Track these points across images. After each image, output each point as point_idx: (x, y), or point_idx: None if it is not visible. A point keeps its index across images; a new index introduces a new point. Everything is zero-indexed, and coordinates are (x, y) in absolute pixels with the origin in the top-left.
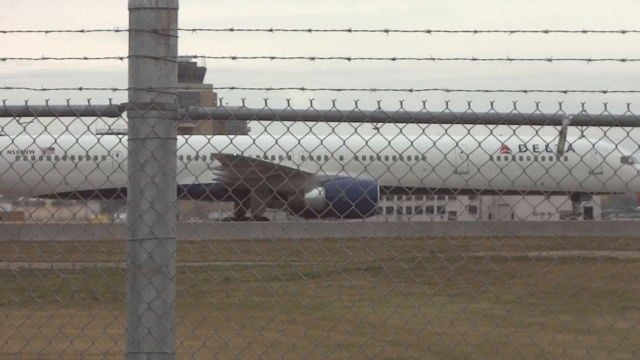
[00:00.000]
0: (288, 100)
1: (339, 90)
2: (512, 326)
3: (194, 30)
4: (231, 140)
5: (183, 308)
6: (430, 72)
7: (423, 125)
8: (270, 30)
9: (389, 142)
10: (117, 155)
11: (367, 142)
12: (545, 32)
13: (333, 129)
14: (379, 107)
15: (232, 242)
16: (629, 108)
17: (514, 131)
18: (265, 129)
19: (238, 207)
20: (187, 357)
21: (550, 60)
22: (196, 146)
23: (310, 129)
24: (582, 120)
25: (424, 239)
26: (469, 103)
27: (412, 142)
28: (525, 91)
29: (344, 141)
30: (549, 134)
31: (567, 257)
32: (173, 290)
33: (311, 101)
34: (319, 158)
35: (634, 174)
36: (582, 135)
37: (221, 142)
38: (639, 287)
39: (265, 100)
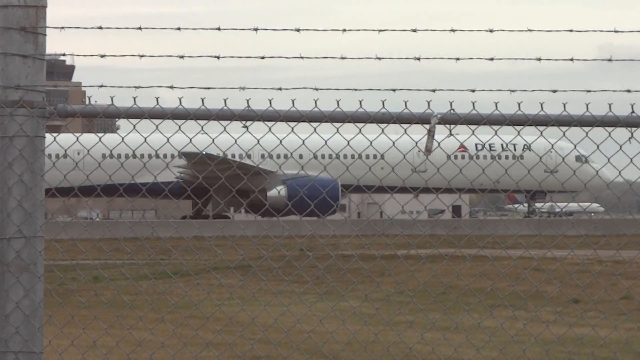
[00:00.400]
0: (157, 99)
1: (208, 88)
2: (381, 324)
3: (62, 28)
4: (190, 139)
5: (51, 307)
6: (300, 70)
7: (382, 125)
8: (139, 28)
9: (348, 142)
10: None
11: (326, 141)
12: (414, 30)
13: (292, 128)
14: (248, 106)
15: (101, 240)
16: (519, 106)
17: (473, 131)
18: (135, 127)
19: (197, 206)
20: (55, 356)
21: (418, 59)
22: (157, 144)
23: (270, 128)
24: (451, 119)
25: (293, 237)
26: (337, 101)
27: (371, 142)
28: (394, 90)
29: (303, 141)
30: (508, 132)
31: (435, 256)
32: (41, 289)
33: (180, 99)
34: (278, 157)
35: (589, 172)
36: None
37: (185, 140)
38: (507, 285)
39: (134, 99)
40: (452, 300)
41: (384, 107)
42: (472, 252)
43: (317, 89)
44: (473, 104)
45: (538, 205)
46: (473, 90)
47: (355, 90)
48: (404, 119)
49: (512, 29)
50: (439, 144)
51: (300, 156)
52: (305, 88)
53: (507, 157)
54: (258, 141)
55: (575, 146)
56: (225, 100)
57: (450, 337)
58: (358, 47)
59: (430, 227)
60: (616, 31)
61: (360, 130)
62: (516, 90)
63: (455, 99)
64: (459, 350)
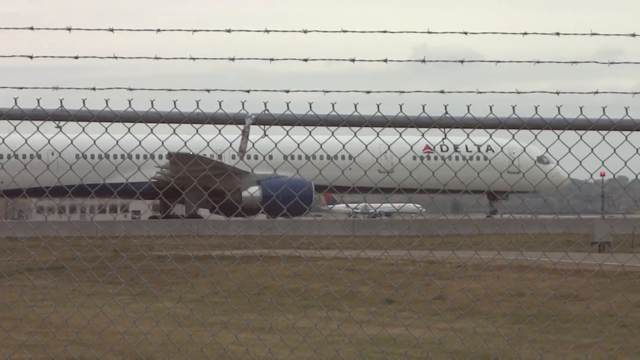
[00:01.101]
0: None
1: (21, 88)
2: (195, 325)
3: None
4: (185, 143)
5: None
6: (114, 70)
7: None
8: None
9: (321, 145)
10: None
11: (299, 144)
12: (228, 31)
13: (264, 131)
14: (61, 106)
15: None
16: (333, 107)
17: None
18: None
19: (172, 205)
20: None
21: (232, 59)
22: (130, 146)
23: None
24: (265, 120)
25: (107, 238)
26: (152, 102)
27: (344, 145)
28: (208, 90)
29: (276, 144)
30: (476, 134)
31: (250, 256)
32: None
33: None
34: (248, 157)
35: (549, 172)
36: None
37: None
38: (321, 285)
39: None
40: (267, 301)
41: (198, 107)
42: (286, 253)
43: (131, 89)
44: (287, 104)
45: (352, 205)
46: (287, 91)
47: (170, 90)
48: (219, 119)
49: (326, 30)
50: (253, 144)
51: (271, 157)
52: (120, 88)
53: (471, 158)
54: (231, 144)
55: (524, 148)
56: (38, 100)
57: (264, 337)
58: (172, 48)
59: (245, 227)
60: (430, 32)
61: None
62: (330, 91)
63: (269, 100)
64: (274, 350)
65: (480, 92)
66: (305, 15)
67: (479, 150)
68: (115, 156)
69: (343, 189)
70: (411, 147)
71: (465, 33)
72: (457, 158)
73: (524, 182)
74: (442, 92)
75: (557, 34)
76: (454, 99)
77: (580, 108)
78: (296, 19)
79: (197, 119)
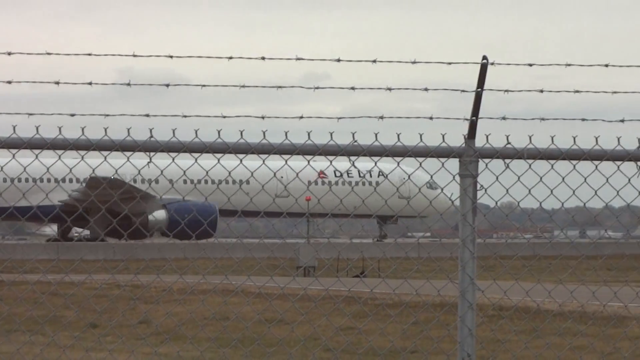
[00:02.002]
0: None
1: None
2: None
3: None
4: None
5: None
6: None
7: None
8: None
9: (229, 172)
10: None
11: (207, 171)
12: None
13: (173, 159)
14: None
15: None
16: (37, 130)
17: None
18: None
19: (64, 227)
20: None
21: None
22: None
23: (150, 158)
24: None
25: None
26: None
27: (252, 173)
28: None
29: (184, 171)
30: (365, 160)
31: None
32: None
33: None
34: (149, 182)
35: (437, 197)
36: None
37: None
38: (25, 310)
39: None
40: None
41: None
42: None
43: None
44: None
45: None
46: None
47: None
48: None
49: (30, 52)
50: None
51: (170, 180)
52: None
53: (364, 183)
54: (147, 166)
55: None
56: None
57: None
58: None
59: None
60: (135, 55)
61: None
62: (34, 114)
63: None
64: None
65: (185, 116)
66: (10, 35)
67: (371, 175)
68: (24, 179)
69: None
70: (297, 174)
71: (171, 57)
72: (349, 183)
73: (415, 206)
74: (147, 115)
75: (263, 58)
76: (159, 122)
77: (309, 133)
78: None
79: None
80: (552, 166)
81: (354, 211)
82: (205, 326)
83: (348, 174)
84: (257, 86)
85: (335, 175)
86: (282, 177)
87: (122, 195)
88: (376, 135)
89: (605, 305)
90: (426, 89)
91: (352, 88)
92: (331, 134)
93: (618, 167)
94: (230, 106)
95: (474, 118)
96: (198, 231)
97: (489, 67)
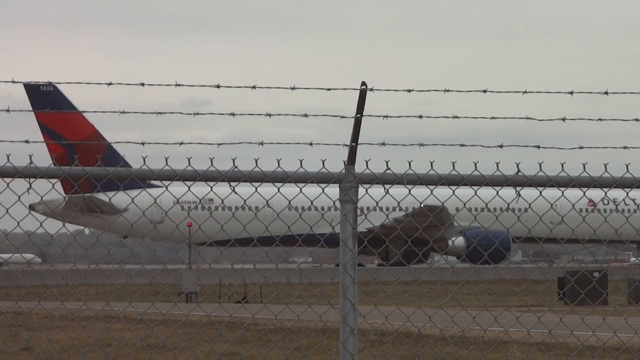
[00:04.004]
0: None
1: None
2: None
3: None
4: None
5: None
6: None
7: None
8: None
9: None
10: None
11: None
12: None
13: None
14: None
15: None
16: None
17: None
18: None
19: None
20: None
21: None
22: None
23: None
24: None
25: None
26: None
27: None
28: None
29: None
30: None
31: None
32: None
33: None
34: None
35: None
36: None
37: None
38: None
39: None
40: None
41: None
42: None
43: None
44: None
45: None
46: None
47: None
48: None
49: None
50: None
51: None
52: None
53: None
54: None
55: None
56: None
57: None
58: None
59: None
60: (14, 82)
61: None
62: None
63: None
64: None
65: (62, 143)
66: None
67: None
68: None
69: None
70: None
71: (50, 83)
72: (610, 211)
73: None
74: (26, 141)
75: (142, 84)
76: (39, 148)
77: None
78: None
79: None
80: (431, 191)
81: None
82: (87, 353)
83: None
84: (136, 112)
85: (604, 204)
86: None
87: None
88: (256, 161)
89: (486, 330)
90: (306, 115)
91: (232, 114)
92: (211, 160)
93: (497, 192)
94: (113, 132)
95: (353, 144)
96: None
97: (369, 93)
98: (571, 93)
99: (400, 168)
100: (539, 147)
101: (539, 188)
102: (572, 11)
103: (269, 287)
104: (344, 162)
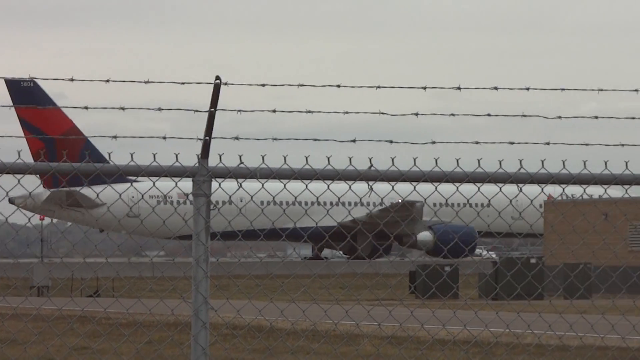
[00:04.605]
0: None
1: None
2: None
3: None
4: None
5: None
6: None
7: None
8: None
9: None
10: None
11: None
12: None
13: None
14: None
15: None
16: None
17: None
18: None
19: None
20: None
21: None
22: None
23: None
24: None
25: None
26: None
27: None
28: None
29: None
30: None
31: None
32: None
33: None
34: None
35: None
36: None
37: None
38: None
39: None
40: None
41: None
42: None
43: None
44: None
45: None
46: None
47: None
48: None
49: None
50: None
51: None
52: None
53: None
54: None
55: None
56: None
57: None
58: None
59: None
60: None
61: None
62: None
63: None
64: None
65: None
66: None
67: None
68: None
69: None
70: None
71: None
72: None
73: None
74: None
75: None
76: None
77: None
78: None
79: None
80: (284, 185)
81: None
82: None
83: None
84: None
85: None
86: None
87: None
88: (109, 154)
89: (338, 323)
90: (159, 109)
91: (86, 107)
92: (64, 154)
93: (350, 186)
94: None
95: (207, 138)
96: None
97: (223, 88)
98: (424, 88)
99: (254, 162)
100: (391, 141)
101: (391, 182)
102: (422, 6)
103: (121, 281)
104: (197, 156)
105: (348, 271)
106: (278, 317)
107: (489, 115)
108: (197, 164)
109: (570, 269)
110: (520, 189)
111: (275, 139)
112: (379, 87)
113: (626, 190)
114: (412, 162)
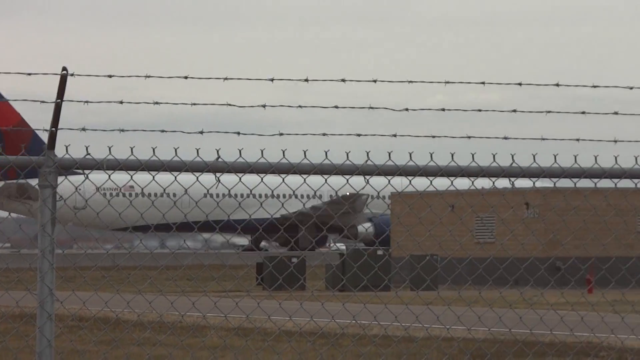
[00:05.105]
0: None
1: None
2: None
3: None
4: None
5: None
6: None
7: None
8: None
9: None
10: None
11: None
12: None
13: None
14: None
15: None
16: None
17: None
18: None
19: None
20: None
21: None
22: None
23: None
24: None
25: None
26: None
27: None
28: None
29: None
30: None
31: None
32: None
33: None
34: None
35: None
36: None
37: None
38: None
39: None
40: None
41: None
42: None
43: None
44: None
45: None
46: None
47: None
48: None
49: None
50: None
51: None
52: None
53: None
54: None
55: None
56: None
57: None
58: None
59: None
60: None
61: None
62: None
63: None
64: None
65: None
66: None
67: None
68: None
69: None
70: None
71: None
72: None
73: None
74: None
75: None
76: None
77: None
78: None
79: None
80: (131, 177)
81: None
82: None
83: None
84: None
85: None
86: None
87: None
88: None
89: (184, 315)
90: (7, 100)
91: None
92: None
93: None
94: None
95: (53, 129)
96: None
97: (70, 79)
98: (272, 80)
99: (102, 154)
100: (239, 133)
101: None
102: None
103: None
104: (44, 147)
105: (195, 262)
106: (124, 308)
107: (336, 107)
108: (43, 155)
109: (417, 261)
110: (367, 180)
111: (122, 130)
112: (226, 78)
113: (472, 182)
114: (259, 154)
